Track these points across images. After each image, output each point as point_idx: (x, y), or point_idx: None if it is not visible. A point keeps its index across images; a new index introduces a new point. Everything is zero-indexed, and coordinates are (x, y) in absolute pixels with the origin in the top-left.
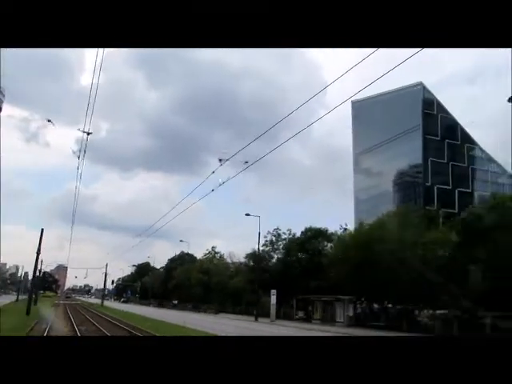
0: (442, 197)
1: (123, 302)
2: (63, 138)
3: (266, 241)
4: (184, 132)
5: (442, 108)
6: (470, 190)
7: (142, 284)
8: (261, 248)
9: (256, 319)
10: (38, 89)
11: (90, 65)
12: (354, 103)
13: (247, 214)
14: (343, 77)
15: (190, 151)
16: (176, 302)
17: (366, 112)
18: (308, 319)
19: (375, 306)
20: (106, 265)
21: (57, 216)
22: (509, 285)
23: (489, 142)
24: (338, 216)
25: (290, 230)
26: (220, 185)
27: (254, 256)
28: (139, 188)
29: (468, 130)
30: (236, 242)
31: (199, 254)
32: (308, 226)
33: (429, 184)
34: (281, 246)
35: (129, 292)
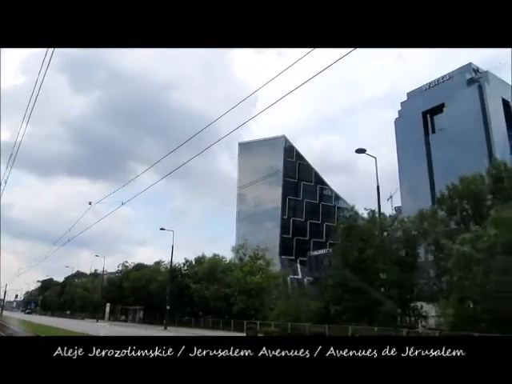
0: (296, 227)
1: (28, 312)
2: None
3: (118, 270)
4: (111, 139)
5: (299, 156)
6: (319, 222)
7: (44, 297)
8: (117, 274)
9: (97, 321)
10: None
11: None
12: (240, 144)
13: (99, 255)
14: (271, 91)
15: (117, 158)
16: (69, 312)
17: (247, 153)
18: (126, 320)
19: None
20: (6, 285)
21: None
22: None
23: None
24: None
25: (133, 262)
26: (134, 196)
27: (109, 280)
28: (61, 194)
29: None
30: (164, 252)
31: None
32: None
33: (286, 217)
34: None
35: (32, 304)
